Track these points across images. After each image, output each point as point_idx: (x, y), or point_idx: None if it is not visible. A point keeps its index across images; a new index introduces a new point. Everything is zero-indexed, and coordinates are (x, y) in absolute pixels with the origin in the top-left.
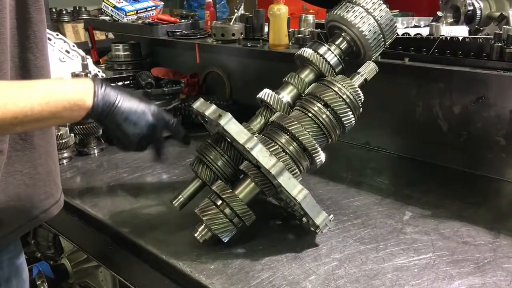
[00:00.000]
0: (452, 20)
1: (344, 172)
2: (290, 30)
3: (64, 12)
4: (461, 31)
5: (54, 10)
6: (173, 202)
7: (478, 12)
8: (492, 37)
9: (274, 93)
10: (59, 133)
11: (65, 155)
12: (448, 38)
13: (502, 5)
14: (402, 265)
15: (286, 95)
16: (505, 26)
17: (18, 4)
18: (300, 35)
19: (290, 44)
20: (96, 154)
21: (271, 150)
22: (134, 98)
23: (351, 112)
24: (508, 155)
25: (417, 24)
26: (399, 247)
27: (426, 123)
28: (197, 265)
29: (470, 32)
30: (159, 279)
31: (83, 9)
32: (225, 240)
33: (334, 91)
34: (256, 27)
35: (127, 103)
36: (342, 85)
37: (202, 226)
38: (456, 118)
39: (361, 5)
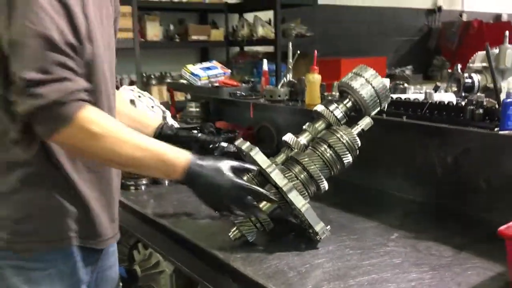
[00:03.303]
0: (455, 89)
1: (358, 206)
2: (326, 93)
3: (152, 76)
4: (449, 97)
5: (144, 74)
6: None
7: (476, 83)
8: (466, 102)
9: (295, 137)
10: None
11: (143, 182)
12: (437, 102)
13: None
14: (376, 262)
15: (303, 138)
16: (478, 94)
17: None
18: (330, 97)
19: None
20: (166, 184)
21: (286, 175)
22: (217, 172)
23: (348, 153)
24: (488, 197)
25: (427, 92)
26: (379, 253)
27: (426, 170)
28: (229, 254)
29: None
30: (204, 267)
31: (168, 74)
32: (250, 239)
33: (337, 137)
34: (299, 91)
35: (209, 177)
36: (343, 132)
37: (234, 228)
38: (448, 166)
39: (363, 76)
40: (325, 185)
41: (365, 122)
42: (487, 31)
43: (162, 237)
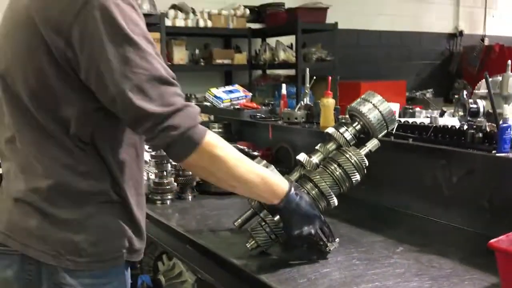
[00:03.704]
0: (462, 114)
1: (368, 222)
2: (340, 116)
3: None
4: (453, 122)
5: None
6: (235, 223)
7: (481, 109)
8: (467, 126)
9: (307, 156)
10: (166, 181)
11: (169, 197)
12: (441, 126)
13: (499, 103)
14: (380, 272)
15: (316, 158)
16: (479, 119)
17: None
18: (343, 120)
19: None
20: (190, 199)
21: None
22: (308, 203)
23: (356, 172)
24: (491, 216)
25: (431, 116)
26: (383, 264)
27: (433, 189)
28: (246, 262)
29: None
30: (223, 274)
31: (193, 96)
32: (266, 249)
33: (346, 157)
34: (314, 114)
35: (303, 207)
36: (352, 153)
37: (251, 239)
38: (454, 186)
39: (371, 101)
40: (334, 201)
41: (373, 144)
42: (508, 55)
43: (185, 247)
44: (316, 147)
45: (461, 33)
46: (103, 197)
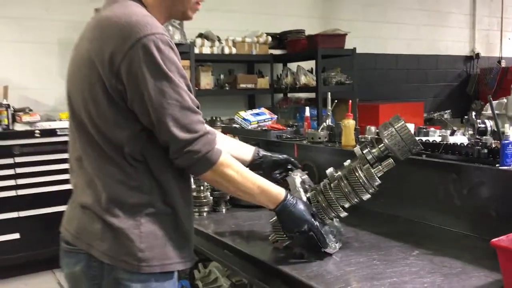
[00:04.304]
0: (471, 132)
1: (387, 231)
2: (360, 136)
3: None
4: (461, 139)
5: None
6: (270, 221)
7: (489, 128)
8: (473, 143)
9: (333, 171)
10: (203, 195)
11: (205, 209)
12: (450, 143)
13: (504, 123)
14: (397, 270)
15: (340, 173)
16: (484, 137)
17: None
18: (363, 140)
19: (356, 145)
20: (224, 211)
21: (312, 202)
22: (302, 209)
23: (363, 188)
24: (498, 224)
25: (442, 135)
26: (400, 264)
27: (446, 200)
28: (279, 262)
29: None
30: (258, 273)
31: (218, 119)
32: (284, 244)
33: (356, 175)
34: (336, 134)
35: (295, 212)
36: (362, 171)
37: (272, 233)
38: (464, 197)
39: (394, 126)
40: (342, 212)
41: (386, 163)
42: None
43: (222, 251)
44: (344, 163)
45: (477, 55)
46: (152, 209)
